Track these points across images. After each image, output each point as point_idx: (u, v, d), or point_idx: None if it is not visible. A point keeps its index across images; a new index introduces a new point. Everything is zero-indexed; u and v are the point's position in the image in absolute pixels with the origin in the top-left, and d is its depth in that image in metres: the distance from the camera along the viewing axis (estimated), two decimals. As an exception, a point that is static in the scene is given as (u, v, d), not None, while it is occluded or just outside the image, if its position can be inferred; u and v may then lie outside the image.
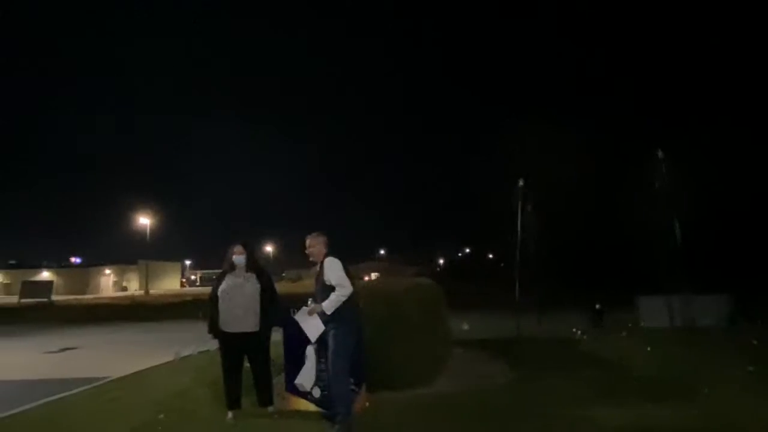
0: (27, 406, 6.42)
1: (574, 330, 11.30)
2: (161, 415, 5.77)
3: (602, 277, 23.88)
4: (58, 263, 73.13)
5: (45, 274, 64.39)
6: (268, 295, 5.60)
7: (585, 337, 10.63)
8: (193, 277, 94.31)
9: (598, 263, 28.33)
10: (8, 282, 66.00)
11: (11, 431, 5.53)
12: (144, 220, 61.25)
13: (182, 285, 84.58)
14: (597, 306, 12.44)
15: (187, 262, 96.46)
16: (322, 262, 5.18)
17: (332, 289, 5.00)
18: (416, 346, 6.28)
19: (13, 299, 45.32)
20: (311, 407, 5.56)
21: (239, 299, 5.46)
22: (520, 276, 11.89)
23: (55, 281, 52.14)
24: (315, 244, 5.30)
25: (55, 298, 42.31)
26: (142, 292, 59.32)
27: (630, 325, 11.58)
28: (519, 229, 11.71)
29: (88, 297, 53.05)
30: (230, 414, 5.55)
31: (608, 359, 8.20)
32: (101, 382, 7.87)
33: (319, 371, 5.52)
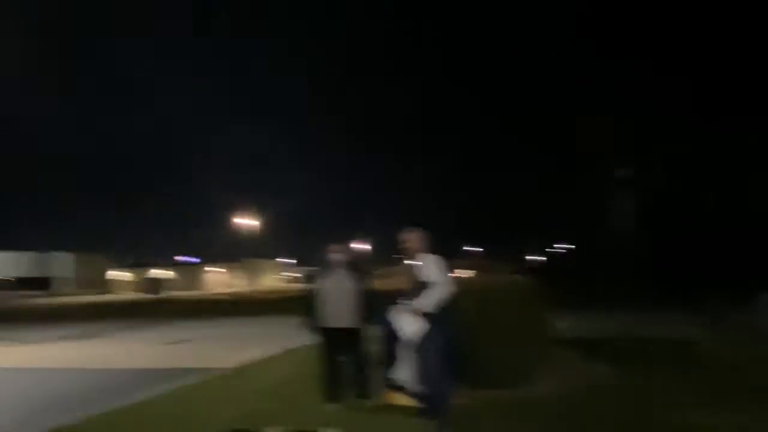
0: (151, 393, 7.03)
1: (684, 330, 10.58)
2: (267, 404, 6.11)
3: (720, 274, 22.12)
4: (166, 261, 78.61)
5: (166, 273, 69.76)
6: (365, 291, 5.77)
7: (698, 337, 9.92)
8: (294, 275, 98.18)
9: (714, 259, 26.26)
10: (135, 280, 72.01)
11: (139, 417, 6.09)
12: (247, 220, 64.60)
13: (283, 282, 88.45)
14: (714, 304, 11.55)
15: (288, 261, 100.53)
16: (418, 258, 5.20)
17: (430, 285, 5.00)
18: (513, 345, 6.19)
19: (137, 295, 49.69)
20: (408, 402, 5.63)
21: (337, 296, 5.67)
22: (623, 273, 11.30)
23: (170, 277, 56.48)
24: (412, 239, 5.32)
25: (169, 293, 45.82)
26: (247, 288, 62.74)
27: (752, 326, 10.65)
28: (619, 223, 11.13)
29: (199, 293, 56.89)
30: (330, 406, 5.77)
31: (722, 363, 7.62)
32: (213, 373, 8.45)
33: (415, 367, 5.58)
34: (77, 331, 16.95)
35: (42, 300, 47.65)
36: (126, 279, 73.83)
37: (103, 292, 63.93)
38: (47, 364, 10.80)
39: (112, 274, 74.11)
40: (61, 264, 65.96)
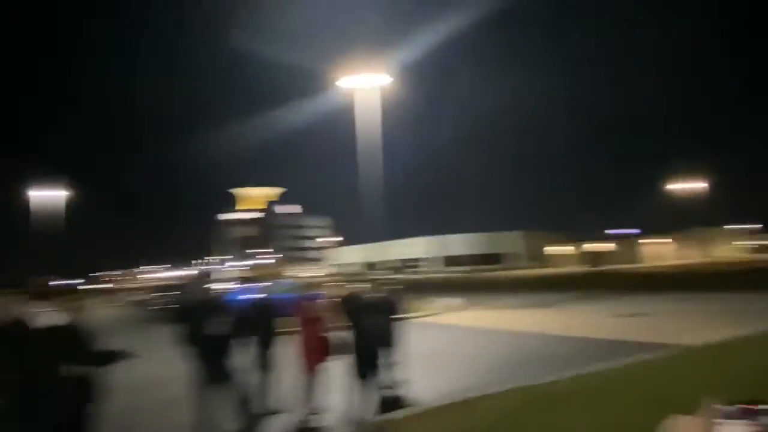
0: (610, 364, 6.94)
1: None
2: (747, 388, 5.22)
3: None
4: (601, 234, 76.80)
5: (604, 246, 69.67)
6: None
7: None
8: (762, 243, 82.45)
9: None
10: (575, 253, 74.10)
11: (604, 382, 6.12)
12: (689, 184, 58.41)
13: (746, 252, 75.52)
14: None
15: (750, 226, 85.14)
16: None
17: None
18: None
19: (578, 268, 51.55)
20: None
21: None
22: None
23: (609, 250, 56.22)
24: None
25: (609, 266, 45.63)
26: (698, 260, 56.71)
27: None
28: None
29: (640, 266, 54.59)
30: None
31: None
32: (675, 351, 7.75)
33: None
34: (533, 301, 18.65)
35: (497, 273, 54.53)
36: (566, 253, 76.83)
37: (545, 266, 68.38)
38: (512, 327, 12.33)
39: (552, 249, 78.35)
40: (511, 241, 74.16)
